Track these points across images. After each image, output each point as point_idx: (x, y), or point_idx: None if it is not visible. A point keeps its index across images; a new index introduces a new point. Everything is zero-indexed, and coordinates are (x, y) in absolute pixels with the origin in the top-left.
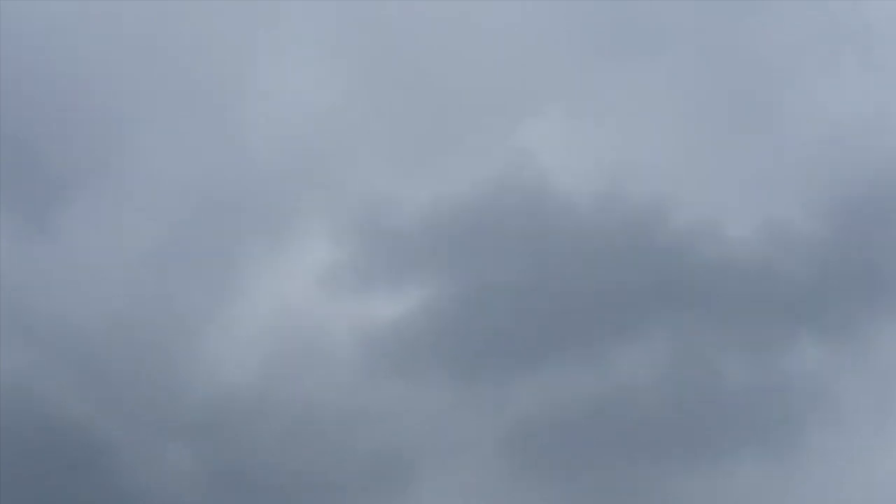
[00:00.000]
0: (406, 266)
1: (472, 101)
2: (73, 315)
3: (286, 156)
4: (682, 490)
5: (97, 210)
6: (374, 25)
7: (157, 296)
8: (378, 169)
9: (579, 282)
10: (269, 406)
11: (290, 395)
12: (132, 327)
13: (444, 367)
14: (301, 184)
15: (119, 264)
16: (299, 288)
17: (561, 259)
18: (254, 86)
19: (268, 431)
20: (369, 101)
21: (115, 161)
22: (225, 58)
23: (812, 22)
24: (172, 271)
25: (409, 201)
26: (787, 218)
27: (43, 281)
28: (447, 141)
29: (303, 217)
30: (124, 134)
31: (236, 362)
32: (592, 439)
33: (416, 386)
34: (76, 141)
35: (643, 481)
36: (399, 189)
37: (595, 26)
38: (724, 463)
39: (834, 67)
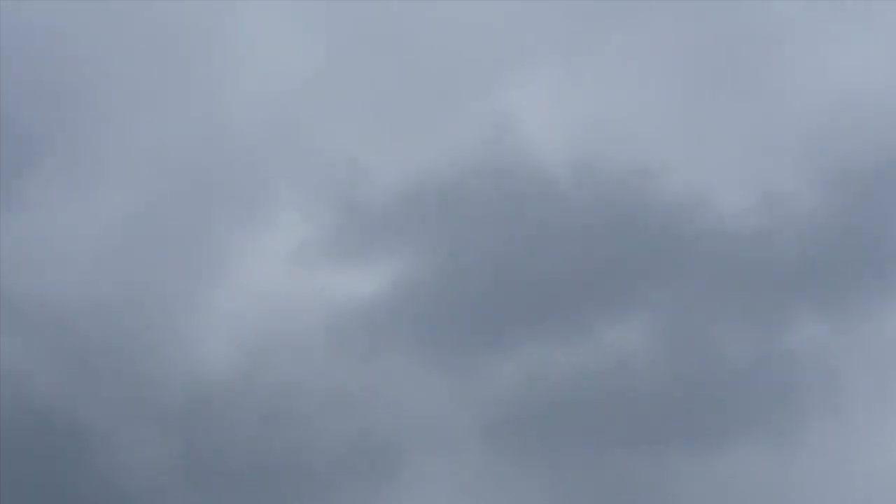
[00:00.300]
0: (383, 241)
1: (451, 70)
2: (41, 293)
3: (261, 127)
4: (676, 475)
5: (66, 182)
6: None
7: (129, 274)
8: (355, 141)
9: (563, 255)
10: (248, 390)
11: (268, 378)
12: (105, 307)
13: (424, 346)
14: (276, 155)
15: (90, 239)
16: (276, 266)
17: (544, 232)
18: (229, 56)
19: (246, 416)
20: (346, 71)
21: (85, 130)
22: (201, 27)
23: None
24: (145, 249)
25: (385, 174)
26: (785, 189)
27: (7, 257)
28: (425, 111)
29: (278, 190)
30: (96, 102)
31: (213, 345)
32: (580, 423)
33: (396, 367)
34: (44, 109)
35: (634, 467)
36: (375, 162)
37: None
38: (720, 445)
39: (837, 31)
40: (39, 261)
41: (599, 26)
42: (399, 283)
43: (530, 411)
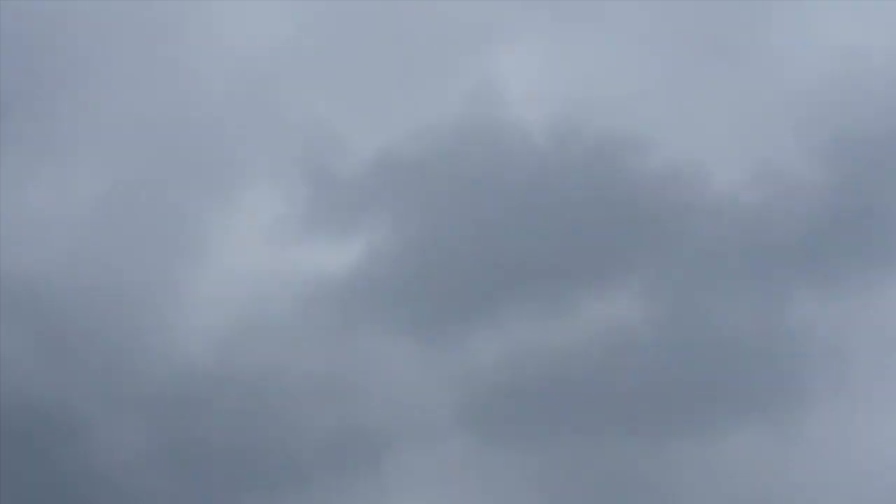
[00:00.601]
0: (360, 213)
1: (429, 36)
2: (11, 274)
3: (233, 97)
4: (670, 460)
5: (36, 162)
6: None
7: (103, 255)
8: (329, 110)
9: (548, 227)
10: (228, 375)
11: (248, 363)
12: (80, 289)
13: (405, 323)
14: (249, 125)
15: (61, 221)
16: (252, 244)
17: (527, 202)
18: (201, 24)
19: (227, 403)
20: (322, 36)
21: (56, 107)
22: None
23: None
24: (119, 229)
25: (361, 144)
26: (780, 159)
27: None
28: (400, 80)
29: (252, 163)
30: (65, 78)
31: (192, 329)
32: (567, 405)
33: (377, 345)
34: (13, 87)
35: (627, 453)
36: (350, 131)
37: None
38: (716, 428)
39: None
40: (9, 242)
41: None
42: (377, 256)
43: (512, 395)
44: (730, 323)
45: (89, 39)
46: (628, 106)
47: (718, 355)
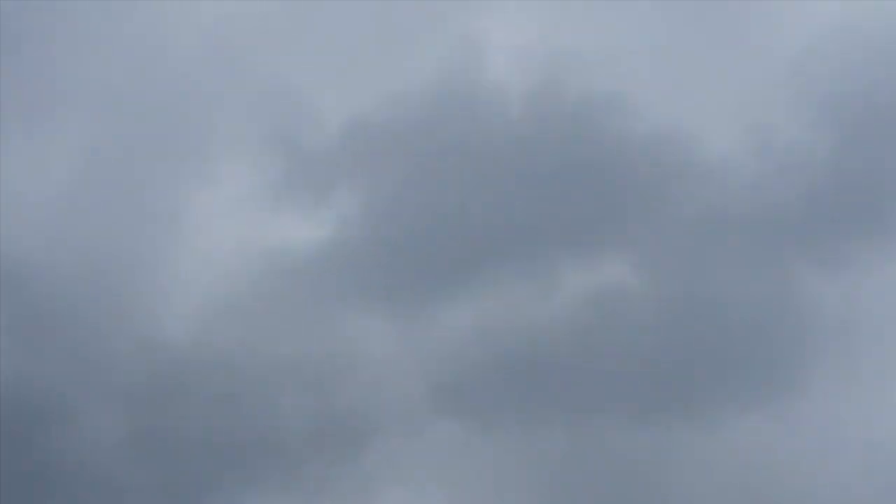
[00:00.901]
0: (334, 183)
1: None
2: None
3: (206, 66)
4: (661, 442)
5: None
6: None
7: (75, 231)
8: (300, 78)
9: (529, 193)
10: (204, 357)
11: (221, 345)
12: (53, 269)
13: (377, 298)
14: (220, 94)
15: (33, 194)
16: (224, 219)
17: (507, 169)
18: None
19: (202, 387)
20: (293, 3)
21: (23, 77)
22: None
23: None
24: (91, 204)
25: (333, 112)
26: (773, 121)
27: None
28: (373, 45)
29: (224, 134)
30: (32, 47)
31: (165, 312)
32: (550, 383)
33: (350, 323)
34: None
35: (616, 434)
36: (322, 99)
37: None
38: (711, 407)
39: None
40: None
41: None
42: (350, 228)
43: (498, 370)
44: (723, 294)
45: (59, 13)
46: (612, 68)
47: (712, 329)
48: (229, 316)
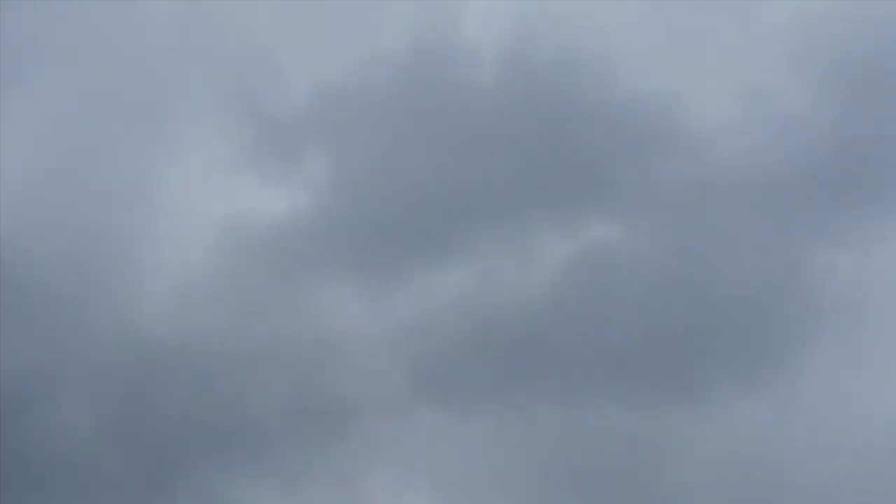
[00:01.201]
0: (305, 149)
1: None
2: None
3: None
4: (649, 426)
5: None
6: None
7: (47, 207)
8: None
9: (509, 159)
10: (176, 341)
11: (195, 326)
12: (21, 248)
13: (350, 270)
14: (183, 57)
15: None
16: (189, 191)
17: (479, 134)
18: None
19: (176, 373)
20: None
21: None
22: None
23: None
24: (61, 181)
25: (302, 76)
26: (769, 86)
27: None
28: (342, 6)
29: (189, 102)
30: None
31: (143, 289)
32: (539, 360)
33: (324, 298)
34: None
35: (607, 416)
36: (290, 63)
37: None
38: (706, 385)
39: None
40: None
41: None
42: (321, 198)
43: (479, 345)
44: (716, 271)
45: None
46: (594, 29)
47: (704, 307)
48: (200, 296)
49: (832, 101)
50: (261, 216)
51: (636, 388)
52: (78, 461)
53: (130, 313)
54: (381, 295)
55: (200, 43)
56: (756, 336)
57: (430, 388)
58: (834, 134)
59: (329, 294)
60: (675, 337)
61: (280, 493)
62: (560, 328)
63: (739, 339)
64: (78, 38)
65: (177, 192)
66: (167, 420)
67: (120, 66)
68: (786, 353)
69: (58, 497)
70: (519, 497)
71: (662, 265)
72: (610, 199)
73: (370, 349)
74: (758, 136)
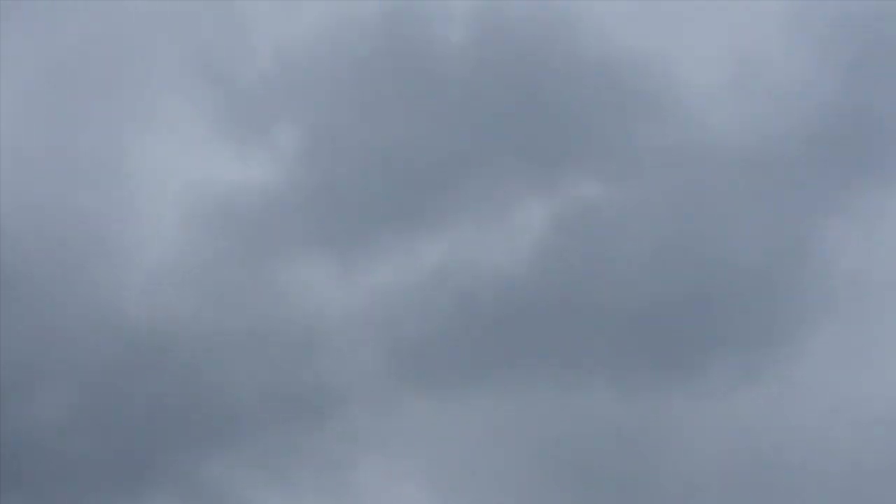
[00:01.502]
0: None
1: None
2: None
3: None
4: (643, 412)
5: None
6: None
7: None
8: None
9: (484, 125)
10: (150, 328)
11: (170, 312)
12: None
13: (324, 244)
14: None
15: None
16: (158, 163)
17: (453, 98)
18: None
19: (155, 359)
20: None
21: None
22: None
23: None
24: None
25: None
26: (764, 58)
27: None
28: None
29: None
30: None
31: (119, 275)
32: (523, 341)
33: (297, 274)
34: None
35: (593, 400)
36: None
37: None
38: (701, 367)
39: None
40: None
41: None
42: (288, 166)
43: (464, 322)
44: (712, 244)
45: None
46: None
47: (700, 269)
48: (173, 280)
49: (827, 61)
50: (232, 189)
51: (631, 369)
52: (56, 449)
53: (105, 297)
54: (357, 268)
55: (168, 11)
56: (757, 307)
57: (413, 369)
58: (828, 100)
59: (304, 269)
60: (671, 305)
61: (262, 480)
62: (547, 299)
63: (739, 312)
64: (43, 10)
65: (146, 165)
66: (145, 407)
67: (87, 39)
68: (787, 331)
69: (36, 485)
70: (510, 484)
71: (652, 226)
72: (591, 158)
73: (348, 326)
74: (742, 100)
